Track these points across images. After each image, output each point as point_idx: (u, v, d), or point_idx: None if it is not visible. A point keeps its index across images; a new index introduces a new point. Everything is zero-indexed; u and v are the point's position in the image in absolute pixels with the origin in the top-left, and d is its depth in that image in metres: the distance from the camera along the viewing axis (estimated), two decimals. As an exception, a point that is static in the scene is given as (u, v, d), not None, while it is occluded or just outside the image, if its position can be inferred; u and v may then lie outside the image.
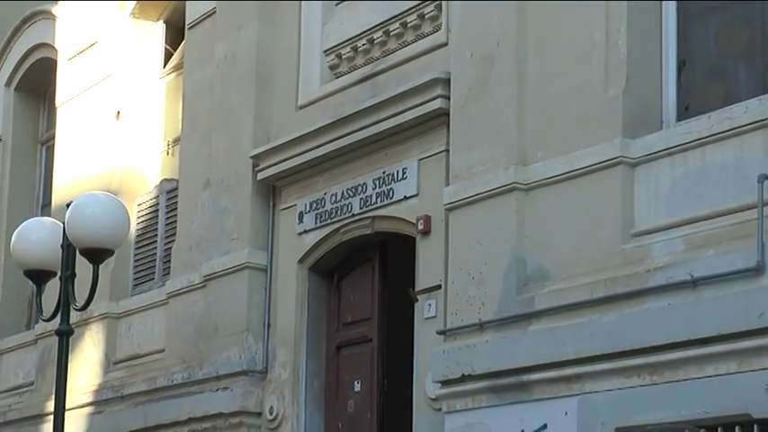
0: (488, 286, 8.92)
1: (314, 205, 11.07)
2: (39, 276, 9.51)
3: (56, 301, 9.06)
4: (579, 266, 8.35)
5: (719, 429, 7.29)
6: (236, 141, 11.68)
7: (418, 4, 10.34)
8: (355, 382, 10.68)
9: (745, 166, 7.44)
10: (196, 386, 11.57)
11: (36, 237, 9.56)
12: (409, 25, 10.49)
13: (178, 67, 13.53)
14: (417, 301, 9.73)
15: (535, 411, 8.46)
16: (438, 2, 10.06)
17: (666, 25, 8.52)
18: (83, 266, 8.94)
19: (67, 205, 9.39)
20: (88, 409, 12.85)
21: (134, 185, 13.59)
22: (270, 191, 11.52)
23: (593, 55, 8.50)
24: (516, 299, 8.67)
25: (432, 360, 9.32)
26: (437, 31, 10.08)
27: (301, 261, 11.12)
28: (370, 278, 10.78)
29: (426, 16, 10.30)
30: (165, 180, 13.37)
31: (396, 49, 10.60)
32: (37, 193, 15.60)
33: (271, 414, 10.99)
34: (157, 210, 13.36)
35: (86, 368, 13.05)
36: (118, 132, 13.80)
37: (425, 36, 10.31)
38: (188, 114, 12.74)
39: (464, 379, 8.91)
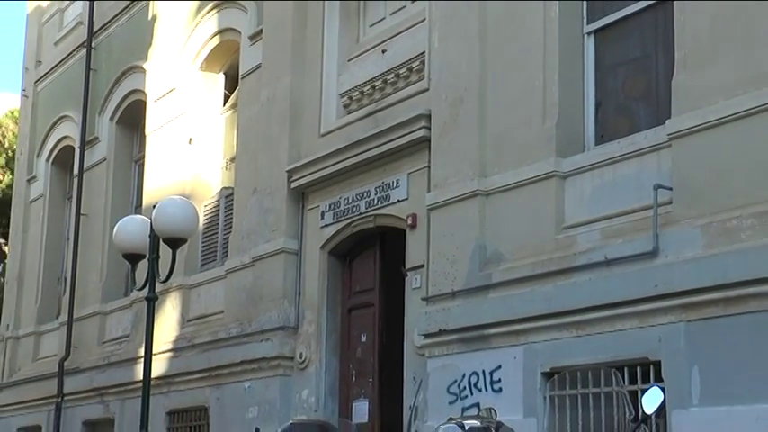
0: (458, 265, 8.92)
1: (332, 206, 11.10)
2: (133, 258, 9.72)
3: (145, 275, 9.23)
4: (524, 251, 8.40)
5: (625, 369, 7.41)
6: (276, 160, 11.77)
7: (408, 61, 10.46)
8: (362, 335, 10.77)
9: (644, 178, 7.58)
10: (246, 338, 11.71)
11: (131, 229, 9.72)
12: (401, 76, 10.56)
13: (233, 106, 13.72)
14: (407, 276, 9.79)
15: (492, 356, 8.45)
16: (422, 59, 10.19)
17: (587, 75, 8.56)
18: (164, 251, 9.12)
19: (154, 206, 9.71)
20: (168, 354, 12.87)
21: (202, 192, 13.71)
22: (300, 196, 11.56)
23: (534, 97, 8.57)
24: (479, 274, 8.72)
25: (417, 319, 9.38)
26: (421, 80, 10.18)
27: (322, 247, 11.16)
28: (373, 260, 10.85)
29: (413, 69, 10.39)
30: (224, 188, 13.59)
31: (391, 93, 10.64)
32: (131, 198, 15.60)
33: (301, 358, 11.03)
34: (218, 209, 13.54)
35: (167, 324, 13.08)
36: (190, 154, 13.98)
37: (413, 84, 10.37)
38: (241, 140, 12.95)
39: (441, 333, 8.94)
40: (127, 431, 13.31)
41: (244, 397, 11.48)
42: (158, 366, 11.97)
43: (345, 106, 11.30)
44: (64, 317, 16.08)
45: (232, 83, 13.81)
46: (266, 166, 11.91)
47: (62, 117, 17.60)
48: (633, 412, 6.51)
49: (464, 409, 8.29)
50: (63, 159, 17.71)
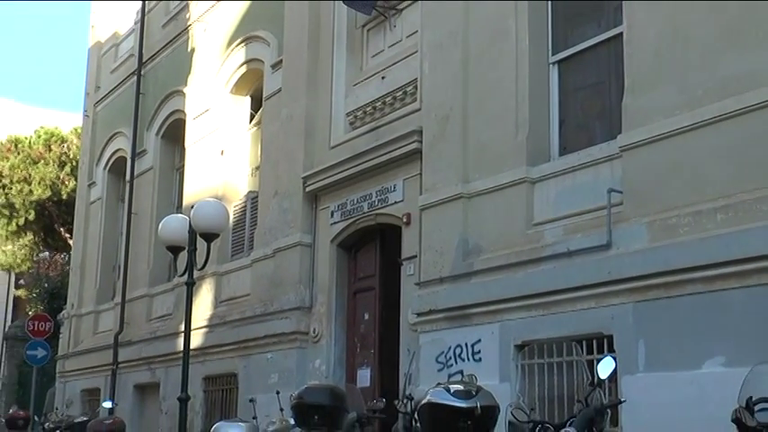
0: (445, 256, 8.91)
1: (340, 207, 11.07)
2: (174, 249, 9.72)
3: (185, 264, 9.24)
4: (500, 243, 8.38)
5: (584, 342, 7.43)
6: (293, 168, 11.78)
7: (403, 85, 10.45)
8: (365, 314, 10.75)
9: (599, 184, 7.56)
10: (268, 316, 11.72)
11: (173, 226, 9.72)
12: (397, 98, 10.56)
13: (258, 124, 13.71)
14: (402, 265, 9.77)
15: (473, 331, 8.47)
16: (414, 84, 10.17)
17: (552, 98, 8.52)
18: (201, 243, 9.15)
19: (192, 207, 9.74)
20: (204, 330, 12.92)
21: (231, 195, 13.70)
22: (313, 198, 11.52)
23: (508, 115, 8.54)
24: (462, 263, 8.71)
25: (411, 301, 9.39)
26: (414, 101, 10.15)
27: (332, 240, 11.12)
28: (374, 251, 10.83)
29: (408, 92, 10.39)
30: (250, 191, 13.57)
31: (389, 112, 10.61)
32: (173, 200, 15.56)
33: (314, 333, 11.05)
34: (245, 209, 13.55)
35: (203, 305, 13.08)
36: (222, 163, 14.00)
37: (407, 104, 10.34)
38: (264, 152, 12.95)
39: (430, 312, 8.96)
40: (170, 393, 13.29)
41: (266, 365, 11.49)
42: (195, 340, 11.97)
43: (351, 123, 11.27)
44: (118, 298, 16.22)
45: (257, 104, 13.78)
46: (285, 173, 11.92)
47: (116, 133, 17.68)
48: (590, 378, 6.39)
49: (450, 376, 8.16)
50: (117, 168, 17.78)
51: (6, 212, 26.96)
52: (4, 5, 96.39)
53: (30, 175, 26.91)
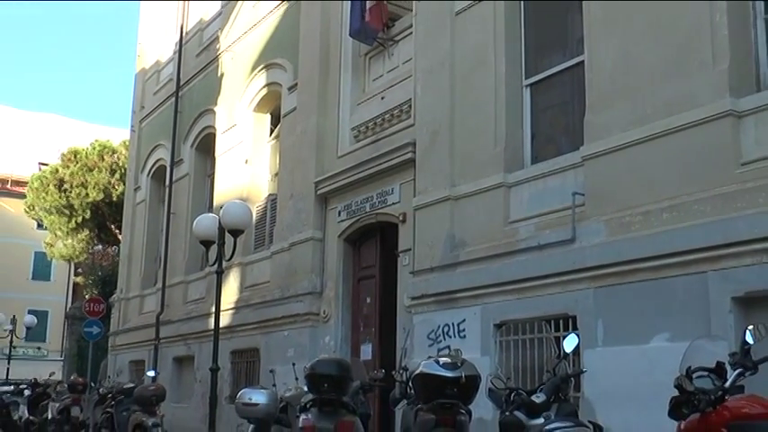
0: (435, 249, 8.89)
1: (346, 207, 11.01)
2: (206, 243, 9.74)
3: (215, 256, 9.20)
4: (482, 238, 8.34)
5: (552, 321, 7.40)
6: (306, 174, 11.72)
7: (399, 105, 10.38)
8: (367, 298, 10.70)
9: (566, 188, 7.49)
10: (285, 300, 11.67)
11: (205, 223, 9.73)
12: (394, 115, 10.51)
13: (277, 137, 13.61)
14: (399, 256, 9.72)
15: (459, 313, 8.43)
16: (409, 103, 10.11)
17: (525, 115, 8.43)
18: (228, 238, 9.17)
19: (221, 207, 9.59)
20: (231, 311, 12.85)
21: (254, 197, 13.63)
22: (323, 200, 11.46)
23: (488, 130, 8.49)
24: (449, 255, 8.68)
25: (406, 287, 9.35)
26: (409, 118, 10.10)
27: (339, 236, 11.06)
28: (375, 245, 10.77)
29: (403, 111, 10.32)
30: (270, 194, 13.52)
31: (388, 128, 10.58)
32: (205, 201, 15.53)
33: (324, 314, 10.98)
34: (266, 209, 13.52)
35: (230, 290, 13.03)
36: (246, 170, 13.92)
37: (403, 121, 10.29)
38: (282, 160, 12.88)
39: (422, 296, 8.95)
40: (202, 364, 13.29)
41: (284, 341, 11.45)
42: (224, 319, 11.90)
43: (355, 136, 11.21)
44: (159, 284, 16.09)
45: (275, 120, 13.66)
46: (299, 178, 11.86)
47: (158, 145, 17.62)
48: (557, 351, 6.38)
49: (439, 350, 8.22)
50: (158, 175, 17.71)
51: (67, 212, 27.14)
52: (70, 42, 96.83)
53: (86, 180, 27.03)
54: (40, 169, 32.49)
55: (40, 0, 77.17)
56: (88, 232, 27.62)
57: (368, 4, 10.58)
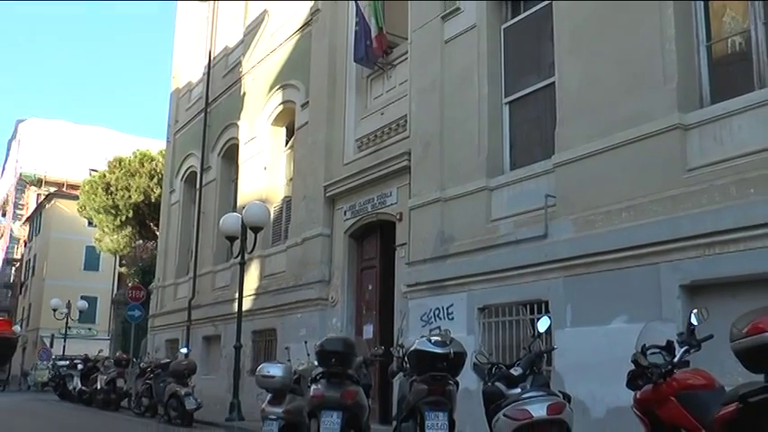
0: (428, 243, 8.84)
1: (351, 207, 10.98)
2: (231, 238, 9.80)
3: (238, 249, 9.17)
4: (467, 234, 8.30)
5: (528, 305, 7.38)
6: (317, 179, 11.68)
7: (397, 119, 10.35)
8: (369, 285, 10.68)
9: (540, 191, 7.43)
10: (299, 287, 11.64)
11: (230, 221, 9.82)
12: (392, 128, 10.49)
13: (291, 147, 13.52)
14: (396, 249, 9.71)
15: (448, 298, 8.38)
16: (405, 118, 10.09)
17: (505, 129, 8.39)
18: (250, 234, 9.13)
19: (243, 207, 9.54)
20: (252, 297, 12.71)
21: (272, 198, 13.58)
22: (331, 201, 11.41)
23: (473, 142, 8.45)
24: (440, 248, 8.63)
25: (403, 276, 9.31)
26: (405, 131, 10.08)
27: (345, 232, 11.04)
28: (375, 240, 10.72)
29: (400, 125, 10.31)
30: (286, 196, 13.48)
31: (387, 139, 10.56)
32: (230, 202, 15.46)
33: (332, 299, 10.98)
34: (282, 209, 13.48)
35: (251, 279, 12.91)
36: (265, 176, 13.86)
37: (400, 133, 10.27)
38: (296, 168, 12.82)
39: (417, 284, 8.90)
40: (227, 343, 13.19)
41: (297, 323, 11.41)
42: (246, 304, 11.98)
43: (359, 147, 11.18)
44: (191, 274, 16.10)
45: (290, 133, 13.62)
46: (311, 183, 11.83)
47: (189, 154, 17.54)
48: (532, 331, 6.18)
49: (431, 330, 8.12)
50: (190, 179, 17.63)
51: (113, 212, 27.27)
52: (116, 65, 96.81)
53: (129, 184, 27.14)
54: (90, 175, 32.60)
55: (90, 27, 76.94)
56: (131, 229, 27.70)
57: (372, 34, 10.57)
